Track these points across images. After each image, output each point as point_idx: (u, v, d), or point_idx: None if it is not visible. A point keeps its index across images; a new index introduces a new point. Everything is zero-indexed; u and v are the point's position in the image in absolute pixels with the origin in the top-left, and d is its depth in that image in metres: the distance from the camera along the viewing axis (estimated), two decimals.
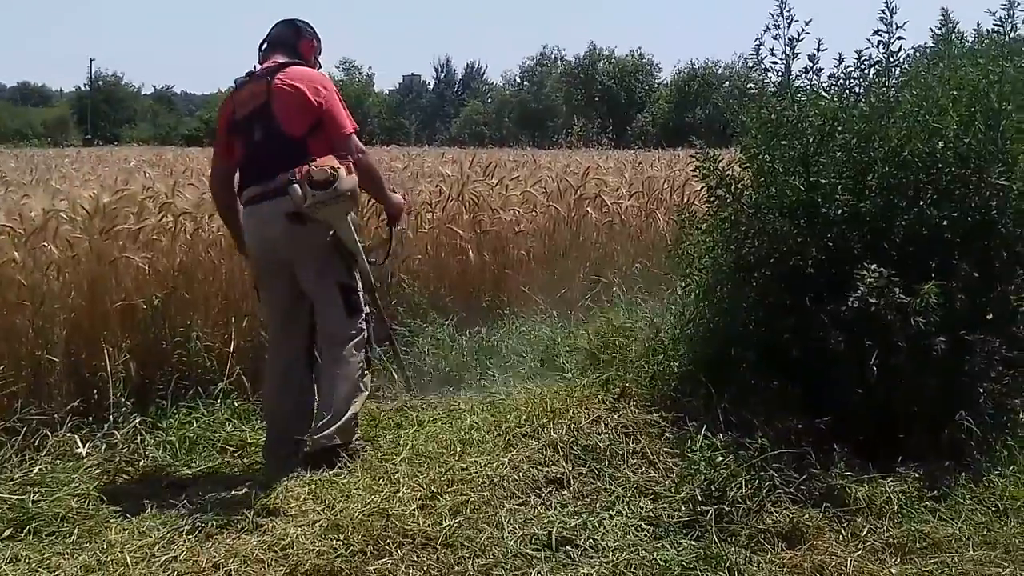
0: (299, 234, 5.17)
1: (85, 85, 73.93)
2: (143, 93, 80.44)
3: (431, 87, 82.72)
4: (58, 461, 5.15)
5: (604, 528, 4.48)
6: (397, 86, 76.46)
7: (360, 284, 5.45)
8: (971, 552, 4.48)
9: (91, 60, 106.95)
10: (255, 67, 5.47)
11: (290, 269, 5.36)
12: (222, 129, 5.59)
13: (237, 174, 5.49)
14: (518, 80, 68.70)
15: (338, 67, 71.50)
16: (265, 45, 5.59)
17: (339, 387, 5.29)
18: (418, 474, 4.81)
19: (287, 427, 5.40)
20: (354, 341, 5.36)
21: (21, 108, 77.82)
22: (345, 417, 5.21)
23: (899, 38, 5.73)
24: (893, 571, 4.35)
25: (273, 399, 5.61)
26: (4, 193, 7.45)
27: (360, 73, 72.97)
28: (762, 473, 4.79)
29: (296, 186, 4.98)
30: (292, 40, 5.59)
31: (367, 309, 5.49)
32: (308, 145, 5.20)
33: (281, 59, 5.44)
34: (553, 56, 68.09)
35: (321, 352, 5.50)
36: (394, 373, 6.53)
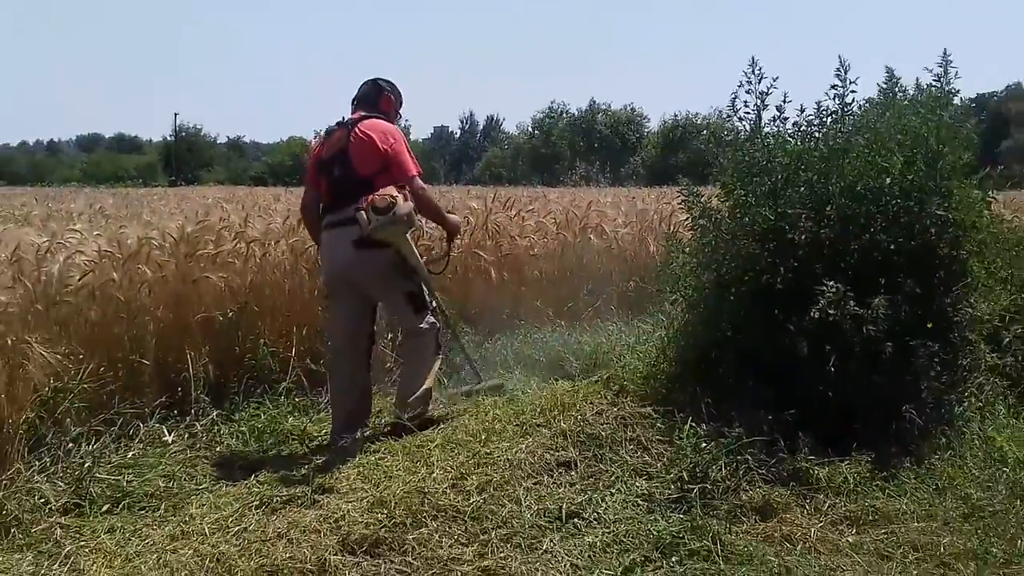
0: (365, 258, 5.38)
1: (170, 136, 74.41)
2: (218, 142, 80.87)
3: (457, 136, 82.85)
4: (148, 447, 5.16)
5: (606, 503, 4.48)
6: (429, 135, 76.60)
7: (424, 289, 5.63)
8: (915, 524, 4.46)
9: (175, 114, 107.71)
10: (343, 117, 5.67)
11: (356, 287, 5.56)
12: (312, 165, 5.80)
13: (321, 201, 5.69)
14: (530, 130, 68.87)
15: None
16: (356, 99, 5.80)
17: (415, 369, 5.60)
18: (449, 458, 4.80)
19: (351, 421, 5.52)
20: (424, 333, 5.61)
21: (118, 155, 78.31)
22: (417, 396, 5.49)
23: (852, 91, 5.76)
24: (849, 540, 4.33)
25: (340, 398, 5.66)
26: (105, 225, 7.48)
27: (399, 125, 73.25)
28: (739, 457, 4.78)
29: (362, 212, 5.18)
30: (374, 97, 5.80)
31: (432, 305, 5.67)
32: (375, 184, 5.34)
33: (365, 112, 5.63)
34: (559, 109, 68.24)
35: (400, 345, 5.90)
36: (463, 365, 6.55)
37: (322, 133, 5.80)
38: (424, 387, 5.55)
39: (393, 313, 5.71)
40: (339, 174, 5.49)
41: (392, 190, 5.27)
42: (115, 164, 68.24)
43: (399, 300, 5.55)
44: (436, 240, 7.30)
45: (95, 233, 6.40)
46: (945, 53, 5.96)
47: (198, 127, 76.62)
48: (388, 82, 5.87)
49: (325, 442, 5.48)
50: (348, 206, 5.34)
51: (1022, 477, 4.85)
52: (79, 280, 5.49)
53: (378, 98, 5.79)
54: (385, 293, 5.58)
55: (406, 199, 5.28)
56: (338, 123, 5.66)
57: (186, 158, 69.74)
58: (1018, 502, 4.65)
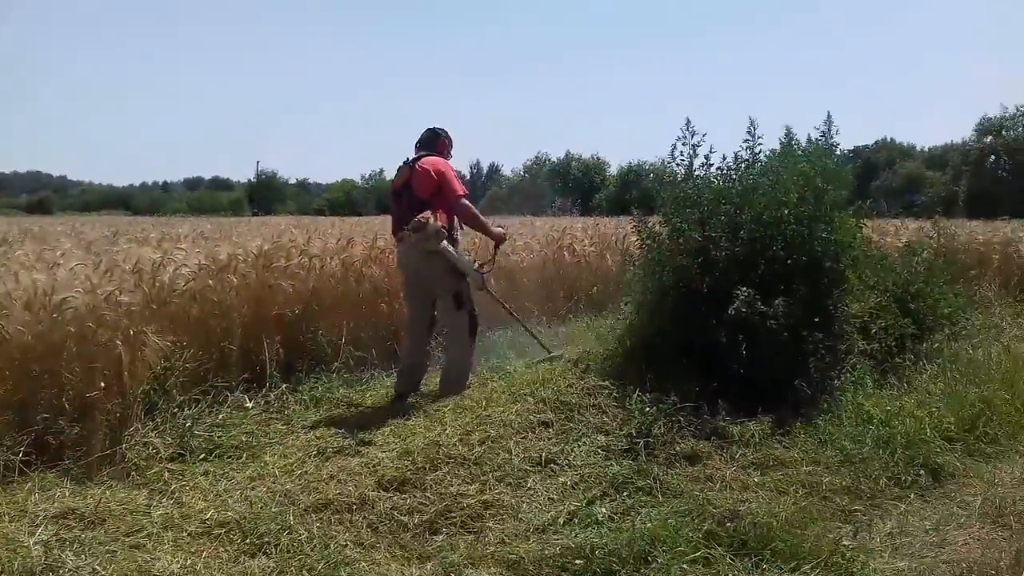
0: (429, 261, 5.45)
1: (253, 178, 74.31)
2: (289, 182, 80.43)
3: (468, 177, 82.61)
4: (233, 412, 5.14)
5: (575, 452, 4.47)
6: None
7: (468, 289, 5.66)
8: (804, 468, 4.48)
9: (257, 161, 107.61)
10: (408, 158, 5.72)
11: (422, 284, 5.65)
12: (393, 191, 5.79)
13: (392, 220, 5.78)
14: (522, 173, 68.78)
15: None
16: (419, 143, 5.84)
17: (454, 358, 5.65)
18: (458, 419, 4.78)
19: (412, 379, 5.70)
20: (462, 327, 5.62)
21: (214, 192, 78.13)
22: (456, 376, 5.57)
23: (759, 144, 5.80)
24: (755, 479, 4.34)
25: (407, 362, 5.76)
26: (204, 244, 7.46)
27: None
28: (674, 418, 4.78)
29: (407, 232, 5.39)
30: (432, 141, 5.83)
31: (469, 305, 5.66)
32: (433, 204, 5.45)
33: (424, 152, 5.70)
34: (543, 158, 68.17)
35: (444, 334, 5.93)
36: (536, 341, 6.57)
37: (395, 171, 5.79)
38: (464, 370, 5.62)
39: (442, 304, 5.65)
40: (407, 200, 5.54)
41: (427, 214, 5.37)
42: (212, 199, 68.02)
43: (447, 297, 5.57)
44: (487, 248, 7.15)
45: (196, 250, 6.38)
46: (828, 116, 6.03)
47: (275, 171, 76.58)
48: (442, 129, 5.92)
49: (367, 407, 5.45)
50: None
51: (883, 433, 4.86)
52: (184, 285, 5.48)
53: (435, 141, 5.83)
54: (440, 290, 5.58)
55: (436, 219, 5.36)
56: (405, 162, 5.70)
57: (265, 195, 69.40)
58: (880, 451, 4.67)
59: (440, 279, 5.52)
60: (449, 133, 5.94)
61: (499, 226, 6.17)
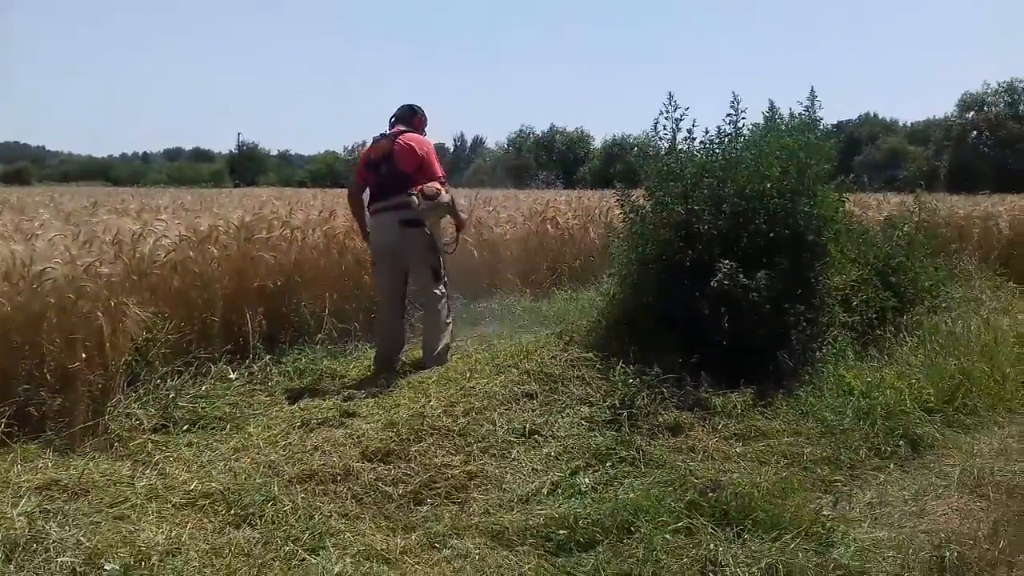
0: (408, 235, 5.50)
1: (235, 149, 73.65)
2: (271, 154, 79.74)
3: (451, 151, 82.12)
4: (217, 383, 5.11)
5: (558, 424, 4.49)
6: None
7: (442, 263, 5.71)
8: (785, 438, 4.52)
9: (239, 133, 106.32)
10: (386, 131, 5.76)
11: (398, 258, 5.65)
12: (362, 164, 5.83)
13: (367, 193, 5.74)
14: (506, 146, 68.43)
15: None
16: (394, 118, 5.87)
17: (435, 331, 5.65)
18: (442, 390, 4.79)
19: (389, 355, 5.68)
20: (441, 300, 5.69)
21: (195, 163, 77.29)
22: (439, 349, 5.61)
23: (742, 118, 5.77)
24: (737, 450, 4.38)
25: (382, 338, 5.77)
26: (184, 215, 7.39)
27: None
28: (656, 390, 4.81)
29: (414, 197, 5.36)
30: (409, 117, 5.88)
31: (445, 279, 5.74)
32: (412, 179, 5.48)
33: (402, 128, 5.74)
34: (528, 131, 67.72)
35: (422, 307, 5.92)
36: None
37: (369, 142, 5.84)
38: (443, 344, 5.64)
39: (419, 279, 5.70)
40: (386, 171, 5.56)
41: (437, 184, 5.49)
42: (193, 170, 67.22)
43: (426, 271, 5.61)
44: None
45: (176, 222, 6.30)
46: (812, 91, 5.99)
47: (256, 142, 75.90)
48: (419, 107, 5.96)
49: (350, 379, 5.44)
50: (393, 195, 5.49)
51: (864, 404, 4.91)
52: (164, 257, 5.43)
53: (412, 118, 5.88)
54: (419, 263, 5.62)
55: (447, 192, 5.53)
56: (382, 135, 5.72)
57: (246, 166, 68.76)
58: (861, 422, 4.72)
59: (419, 253, 5.57)
60: (424, 111, 5.98)
61: (461, 211, 6.30)
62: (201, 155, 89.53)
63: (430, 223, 5.51)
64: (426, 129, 5.95)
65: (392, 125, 5.83)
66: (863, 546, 3.39)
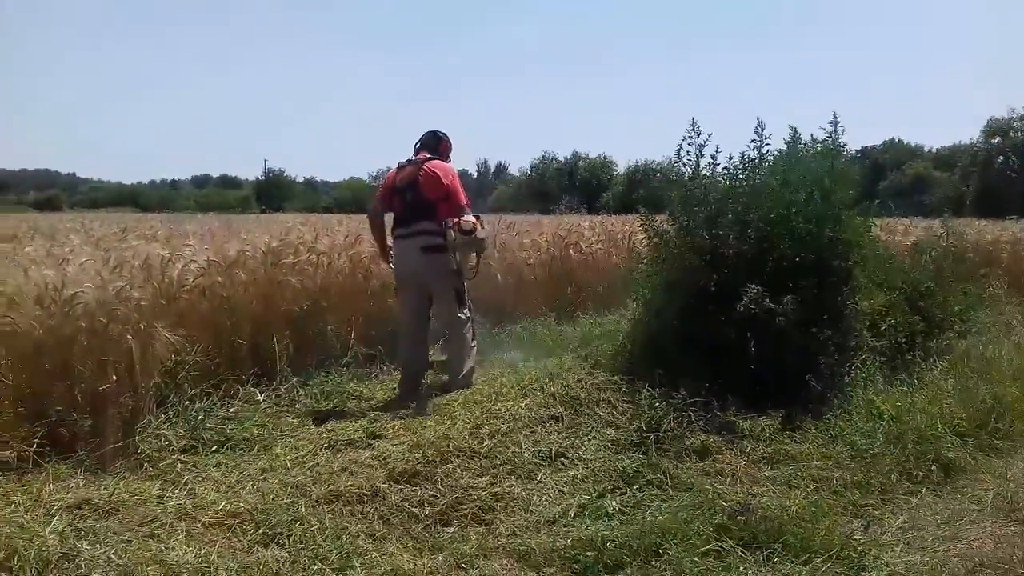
0: (430, 261, 5.53)
1: (261, 176, 74.43)
2: (297, 180, 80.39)
3: (475, 176, 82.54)
4: (245, 405, 5.15)
5: (584, 447, 4.49)
6: None
7: (466, 290, 5.74)
8: (815, 462, 4.49)
9: (265, 160, 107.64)
10: (412, 157, 5.79)
11: (420, 282, 5.68)
12: (387, 188, 5.83)
13: (392, 217, 5.80)
14: (529, 172, 68.65)
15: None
16: (419, 144, 5.91)
17: (459, 355, 5.68)
18: (468, 413, 4.80)
19: (413, 378, 5.69)
20: (465, 324, 5.71)
21: (223, 190, 78.06)
22: (465, 372, 5.63)
23: (767, 144, 5.78)
24: (766, 473, 4.35)
25: (406, 361, 5.81)
26: (212, 241, 7.47)
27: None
28: (683, 413, 4.80)
29: (451, 230, 5.40)
30: (435, 144, 5.91)
31: (469, 303, 5.75)
32: (438, 206, 5.52)
33: (428, 155, 5.77)
34: (550, 157, 67.94)
35: (446, 331, 5.88)
36: None
37: (395, 167, 5.85)
38: (467, 368, 5.66)
39: (443, 303, 5.68)
40: (411, 198, 5.59)
41: (473, 219, 5.51)
42: (220, 197, 67.87)
43: (450, 295, 5.62)
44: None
45: (205, 247, 6.38)
46: (835, 116, 5.99)
47: (282, 169, 76.60)
48: (444, 133, 5.99)
49: (376, 401, 5.47)
50: (417, 222, 5.54)
51: (894, 429, 4.86)
52: (193, 281, 5.49)
53: (438, 145, 5.91)
54: (442, 288, 5.62)
55: (482, 226, 5.57)
56: (408, 161, 5.76)
57: (273, 193, 69.39)
58: (891, 447, 4.67)
59: (443, 278, 5.58)
60: (449, 138, 6.01)
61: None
62: (228, 182, 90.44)
63: (460, 254, 5.51)
64: (451, 156, 5.98)
65: (417, 151, 5.87)
66: (895, 571, 3.35)
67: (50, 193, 66.41)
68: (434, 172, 5.59)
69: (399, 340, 6.07)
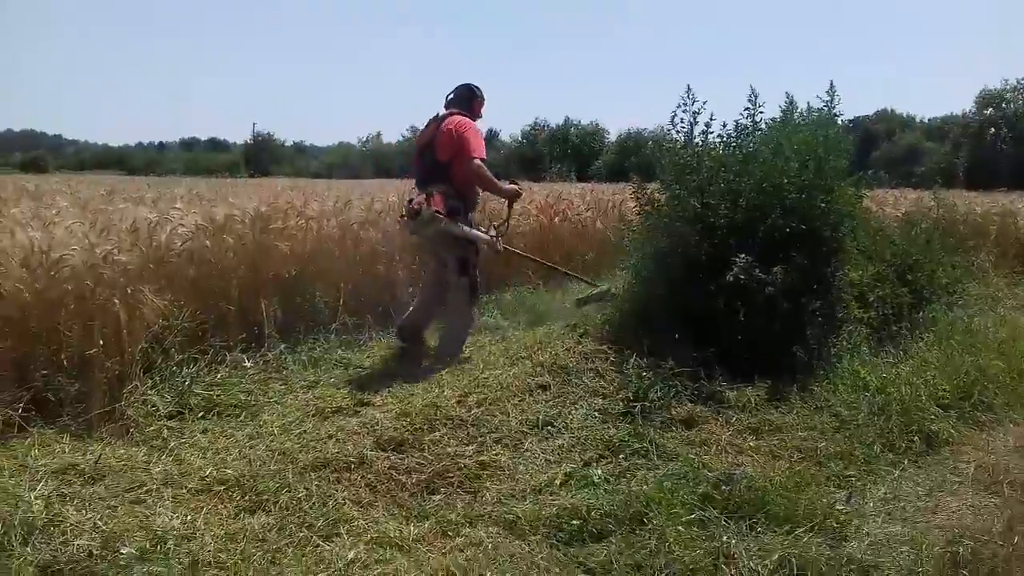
0: (438, 232, 5.38)
1: (250, 139, 73.76)
2: (286, 144, 79.60)
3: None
4: (232, 371, 5.14)
5: (572, 416, 4.50)
6: None
7: (474, 254, 5.62)
8: (799, 433, 4.52)
9: (254, 124, 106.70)
10: (438, 113, 5.64)
11: (431, 248, 5.79)
12: (417, 146, 5.79)
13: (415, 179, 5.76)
14: (520, 139, 68.21)
15: (407, 130, 70.98)
16: (451, 97, 5.71)
17: (452, 321, 5.70)
18: (456, 381, 4.81)
19: (417, 325, 5.78)
20: (466, 291, 5.60)
21: (211, 153, 77.44)
22: (456, 337, 5.64)
23: (760, 112, 5.74)
24: (751, 444, 4.38)
25: (417, 308, 5.86)
26: (201, 205, 7.41)
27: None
28: (670, 383, 4.81)
29: (404, 217, 5.56)
30: (468, 100, 5.71)
31: (473, 272, 5.65)
32: (452, 166, 5.43)
33: (455, 110, 5.59)
34: (542, 124, 67.43)
35: (447, 295, 5.72)
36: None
37: (422, 126, 5.75)
38: (462, 333, 5.67)
39: (449, 270, 5.61)
40: (427, 159, 5.53)
41: (421, 199, 5.35)
42: (209, 160, 67.27)
43: (453, 262, 5.54)
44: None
45: (193, 211, 6.34)
46: (832, 85, 5.94)
47: (271, 133, 75.93)
48: (479, 88, 5.76)
49: (365, 369, 5.47)
50: (431, 185, 5.42)
51: (879, 400, 4.90)
52: (181, 245, 5.46)
53: (471, 101, 5.71)
54: (447, 255, 5.58)
55: (429, 206, 5.27)
56: (433, 118, 5.62)
57: (261, 157, 68.84)
58: (875, 418, 4.71)
59: (447, 245, 5.52)
60: (483, 94, 5.79)
61: (513, 182, 6.15)
62: (217, 145, 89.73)
63: (443, 229, 5.36)
64: (481, 113, 5.78)
65: (447, 105, 5.69)
66: (876, 540, 3.38)
67: (35, 155, 65.67)
68: (447, 129, 5.42)
69: (421, 289, 6.21)
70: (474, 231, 5.55)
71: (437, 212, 5.29)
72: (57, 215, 5.90)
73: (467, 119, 5.54)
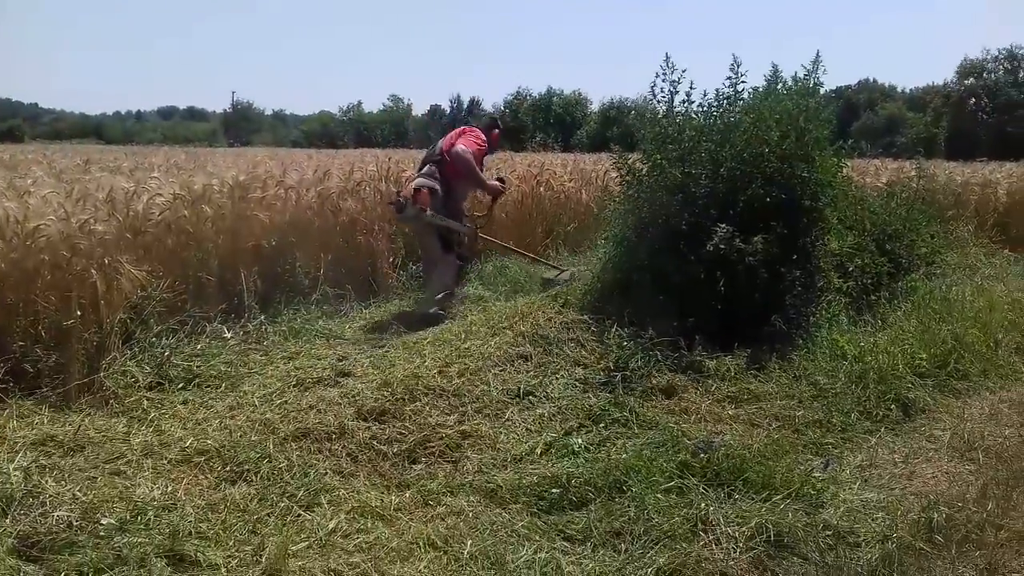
0: (420, 223, 6.10)
1: (229, 108, 72.94)
2: (265, 113, 78.77)
3: (448, 112, 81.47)
4: (212, 341, 5.12)
5: (552, 385, 4.52)
6: (426, 111, 74.53)
7: (457, 236, 6.28)
8: (778, 401, 4.57)
9: (233, 92, 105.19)
10: (470, 121, 6.91)
11: (419, 234, 6.42)
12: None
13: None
14: (502, 108, 67.74)
15: (388, 99, 70.24)
16: (473, 121, 6.89)
17: (437, 286, 6.13)
18: (437, 351, 4.81)
19: (445, 299, 6.18)
20: (448, 264, 6.19)
21: (189, 122, 76.58)
22: (437, 299, 6.07)
23: (742, 81, 5.72)
24: (730, 412, 4.42)
25: (441, 276, 6.23)
26: (178, 174, 7.34)
27: (403, 103, 71.30)
28: (651, 353, 4.84)
29: (407, 202, 5.98)
30: (489, 126, 6.61)
31: (458, 250, 6.31)
32: (445, 161, 6.14)
33: (475, 126, 6.55)
34: (525, 93, 67.02)
35: (434, 268, 6.31)
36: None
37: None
38: (439, 297, 6.06)
39: (434, 248, 6.15)
40: (426, 153, 6.44)
41: (406, 192, 6.03)
42: (187, 129, 66.58)
43: (434, 237, 6.15)
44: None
45: (171, 180, 6.27)
46: (817, 54, 5.91)
47: (250, 102, 75.13)
48: (501, 121, 6.81)
49: (346, 339, 5.48)
50: (427, 166, 6.18)
51: (856, 369, 4.94)
52: (159, 215, 5.41)
53: (491, 128, 6.59)
54: (433, 235, 6.14)
55: (415, 203, 5.91)
56: (464, 125, 6.56)
57: (241, 126, 68.11)
58: (853, 386, 4.76)
59: (430, 232, 6.08)
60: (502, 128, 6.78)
61: (500, 179, 6.80)
62: (195, 114, 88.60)
63: (427, 220, 5.99)
64: (495, 145, 6.73)
65: (471, 124, 6.60)
66: (852, 507, 3.43)
67: (11, 124, 64.61)
68: (458, 130, 6.34)
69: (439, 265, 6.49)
70: (454, 222, 6.15)
71: (421, 209, 5.90)
72: (32, 185, 5.82)
73: (479, 134, 6.34)
